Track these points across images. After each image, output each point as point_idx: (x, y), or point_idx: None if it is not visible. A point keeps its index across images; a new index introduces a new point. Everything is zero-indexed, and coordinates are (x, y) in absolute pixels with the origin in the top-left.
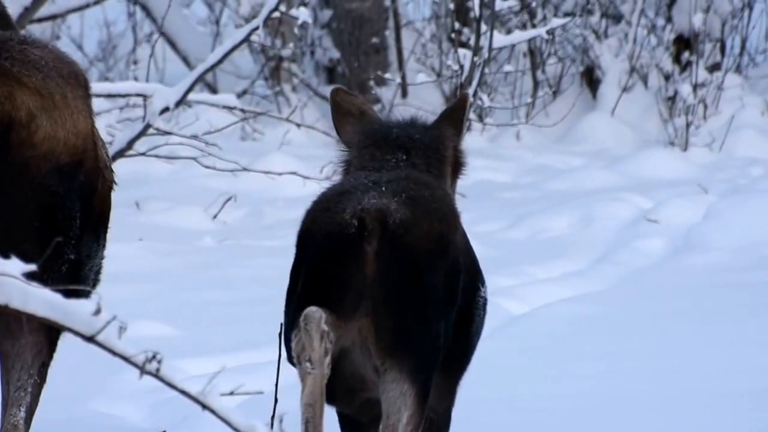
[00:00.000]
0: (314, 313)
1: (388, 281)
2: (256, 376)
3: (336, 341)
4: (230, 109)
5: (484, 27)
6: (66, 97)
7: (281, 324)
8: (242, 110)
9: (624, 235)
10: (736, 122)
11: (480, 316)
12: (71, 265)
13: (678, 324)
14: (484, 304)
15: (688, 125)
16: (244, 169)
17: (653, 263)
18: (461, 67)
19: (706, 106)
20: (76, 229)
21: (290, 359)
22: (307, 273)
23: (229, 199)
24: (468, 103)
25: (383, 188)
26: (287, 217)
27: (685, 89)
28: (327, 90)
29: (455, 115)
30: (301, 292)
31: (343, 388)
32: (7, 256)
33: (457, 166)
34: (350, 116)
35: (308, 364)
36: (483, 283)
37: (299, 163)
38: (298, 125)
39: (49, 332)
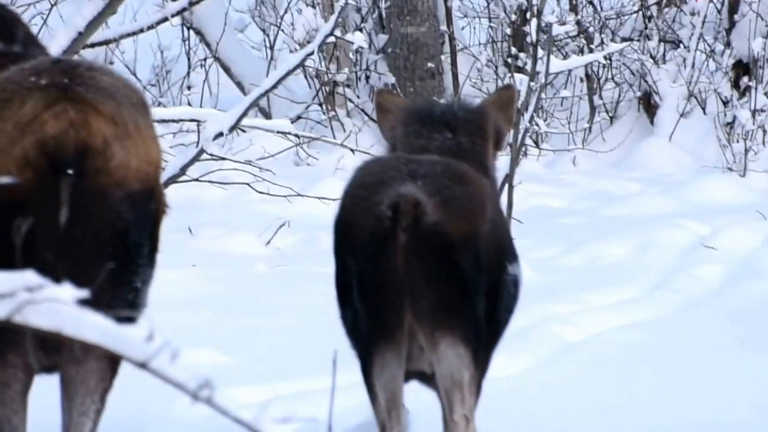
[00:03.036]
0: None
1: (421, 271)
2: (308, 403)
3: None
4: (284, 134)
5: (540, 52)
6: (138, 125)
7: (335, 351)
8: (296, 135)
9: (681, 262)
10: None
11: (509, 292)
12: (136, 292)
13: (735, 354)
14: (514, 281)
15: (746, 151)
16: (298, 195)
17: (711, 290)
18: (518, 92)
19: (765, 132)
20: (145, 257)
21: (348, 333)
22: (345, 285)
23: (282, 225)
24: (514, 91)
25: (419, 183)
26: None
27: (744, 115)
28: None
29: (501, 102)
30: (364, 315)
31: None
32: (60, 282)
33: (498, 140)
34: (391, 114)
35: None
36: (512, 261)
37: None
38: (353, 150)
39: (113, 359)
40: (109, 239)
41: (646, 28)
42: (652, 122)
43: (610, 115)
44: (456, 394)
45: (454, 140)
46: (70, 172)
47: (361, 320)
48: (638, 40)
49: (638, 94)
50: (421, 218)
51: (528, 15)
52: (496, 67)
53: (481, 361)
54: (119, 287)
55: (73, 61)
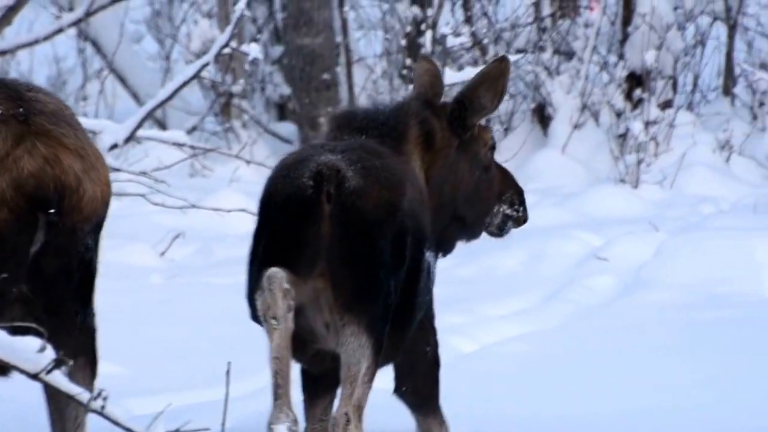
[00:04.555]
0: (276, 273)
1: (342, 243)
2: (204, 414)
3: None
4: (180, 145)
5: None
6: (93, 150)
7: (228, 363)
8: (192, 147)
9: (574, 273)
10: (687, 160)
11: (425, 277)
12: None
13: (627, 363)
14: (429, 268)
15: (639, 162)
16: (193, 206)
17: (603, 301)
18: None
19: (657, 144)
20: (96, 274)
21: (254, 317)
22: (268, 235)
23: (177, 236)
24: (506, 65)
25: (339, 156)
26: (236, 255)
27: (637, 126)
28: (277, 126)
29: (492, 75)
30: (263, 253)
31: (296, 339)
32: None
33: (430, 137)
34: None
35: (274, 321)
36: (429, 248)
37: (248, 199)
38: (248, 162)
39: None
40: (78, 268)
41: (540, 39)
42: (545, 134)
43: (505, 126)
44: (346, 387)
45: (378, 140)
46: (51, 211)
47: (271, 249)
48: (532, 52)
49: (532, 105)
50: (343, 185)
51: (423, 27)
52: (392, 78)
53: (380, 349)
54: (86, 308)
55: (8, 81)
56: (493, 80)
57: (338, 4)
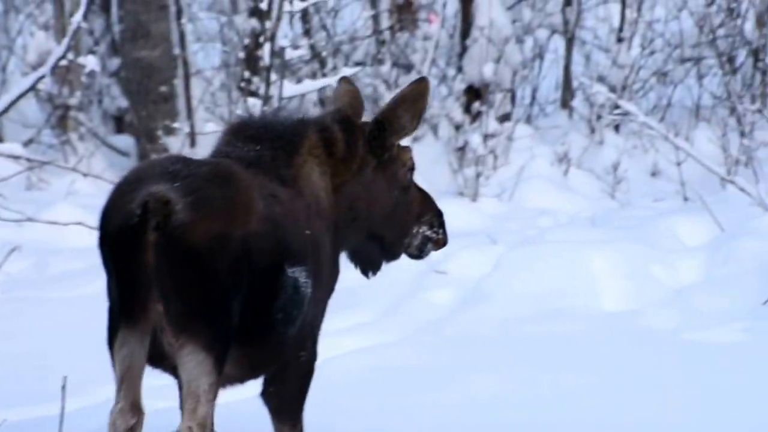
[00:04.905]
0: (115, 416)
1: (170, 273)
2: (39, 429)
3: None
4: (16, 158)
5: (274, 76)
6: None
7: (64, 378)
8: (28, 159)
9: (413, 287)
10: (525, 173)
11: (287, 293)
12: None
13: (467, 377)
14: (294, 284)
15: (478, 176)
16: (30, 219)
17: (443, 315)
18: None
19: (496, 157)
20: None
21: (109, 343)
22: (105, 265)
23: (13, 250)
24: (425, 86)
25: (177, 183)
26: (73, 268)
27: (476, 139)
28: (115, 139)
29: (413, 94)
30: (108, 292)
31: (155, 354)
32: None
33: (329, 147)
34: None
35: None
36: (295, 263)
37: (85, 213)
38: (85, 175)
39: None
40: None
41: (379, 52)
42: None
43: None
44: (189, 403)
45: (257, 152)
46: None
47: (112, 301)
48: (371, 65)
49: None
50: (170, 217)
51: (261, 39)
52: (230, 91)
53: (220, 367)
54: None
55: None
56: (413, 101)
57: (176, 16)
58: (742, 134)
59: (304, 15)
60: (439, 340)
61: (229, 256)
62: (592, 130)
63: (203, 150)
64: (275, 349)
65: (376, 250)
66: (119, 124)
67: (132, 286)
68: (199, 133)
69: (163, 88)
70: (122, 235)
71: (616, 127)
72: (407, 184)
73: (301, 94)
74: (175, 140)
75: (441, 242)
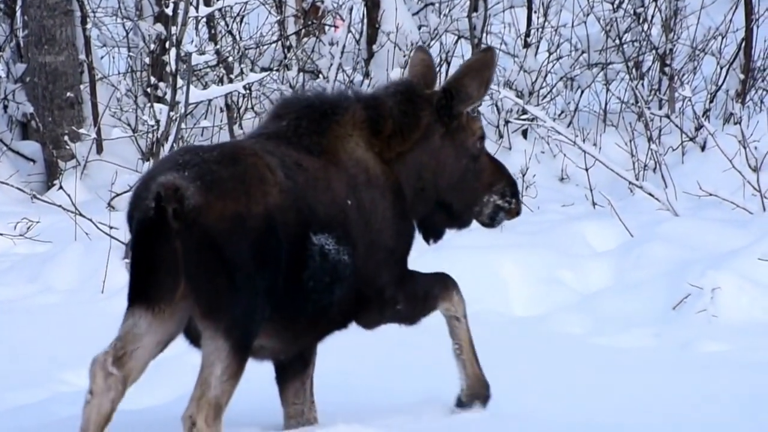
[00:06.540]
0: (99, 357)
1: (192, 258)
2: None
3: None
4: None
5: (180, 81)
6: None
7: None
8: None
9: None
10: None
11: (315, 261)
12: None
13: (371, 383)
14: (321, 250)
15: None
16: None
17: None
18: (157, 122)
19: None
20: None
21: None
22: (132, 257)
23: None
24: (491, 55)
25: (185, 172)
26: None
27: None
28: (20, 145)
29: (477, 64)
30: (129, 282)
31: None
32: None
33: (376, 123)
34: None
35: (89, 395)
36: (321, 229)
37: None
38: None
39: None
40: None
41: (285, 58)
42: None
43: None
44: (197, 390)
45: (290, 124)
46: None
47: (131, 280)
48: (278, 70)
49: None
50: (183, 203)
51: (167, 44)
52: (136, 96)
53: (244, 349)
54: None
55: None
56: (479, 70)
57: (81, 21)
58: (650, 139)
59: (210, 20)
60: (346, 346)
61: (251, 235)
62: (500, 136)
63: (111, 157)
64: (313, 318)
65: (443, 217)
66: (25, 129)
67: (159, 277)
68: (105, 139)
69: (69, 94)
70: (145, 229)
71: (524, 133)
72: (477, 153)
73: (207, 99)
74: (81, 146)
75: (514, 212)
